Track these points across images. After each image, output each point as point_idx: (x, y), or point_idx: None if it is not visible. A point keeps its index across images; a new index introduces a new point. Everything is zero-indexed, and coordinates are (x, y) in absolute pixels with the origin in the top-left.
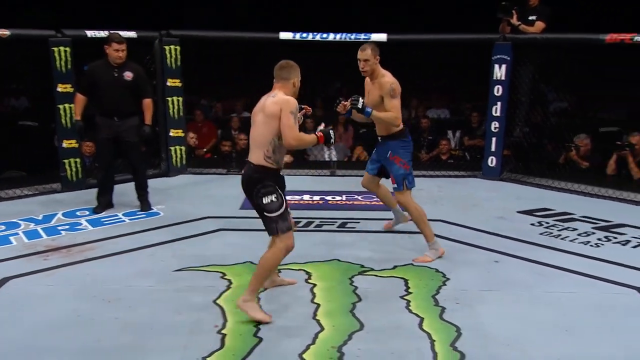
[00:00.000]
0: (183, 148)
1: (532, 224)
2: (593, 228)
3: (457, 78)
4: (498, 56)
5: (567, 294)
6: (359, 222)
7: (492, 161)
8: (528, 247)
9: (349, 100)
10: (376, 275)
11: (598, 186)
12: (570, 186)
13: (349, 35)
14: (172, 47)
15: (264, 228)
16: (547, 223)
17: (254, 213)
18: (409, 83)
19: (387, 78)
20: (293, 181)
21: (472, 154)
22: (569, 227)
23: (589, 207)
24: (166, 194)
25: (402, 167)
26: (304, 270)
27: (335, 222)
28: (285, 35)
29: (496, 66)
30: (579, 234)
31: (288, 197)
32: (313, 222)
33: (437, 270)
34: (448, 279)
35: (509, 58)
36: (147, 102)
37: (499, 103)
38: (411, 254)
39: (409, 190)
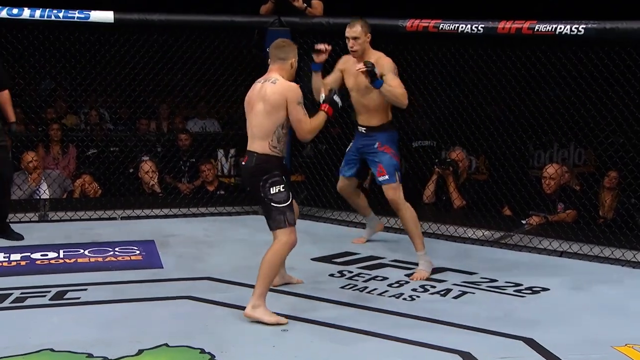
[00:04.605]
0: None
1: (331, 275)
2: (406, 275)
3: (227, 75)
4: None
5: None
6: (85, 290)
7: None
8: (325, 307)
9: (363, 66)
10: None
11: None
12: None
13: (55, 12)
14: None
15: None
16: (350, 272)
17: None
18: (155, 83)
19: (386, 58)
20: None
21: None
22: (377, 276)
23: (401, 248)
24: None
25: (394, 158)
26: None
27: (49, 292)
28: None
29: None
30: (389, 285)
31: None
32: (10, 294)
33: (202, 351)
34: None
35: None
36: (4, 95)
37: None
38: (165, 329)
39: (400, 184)
